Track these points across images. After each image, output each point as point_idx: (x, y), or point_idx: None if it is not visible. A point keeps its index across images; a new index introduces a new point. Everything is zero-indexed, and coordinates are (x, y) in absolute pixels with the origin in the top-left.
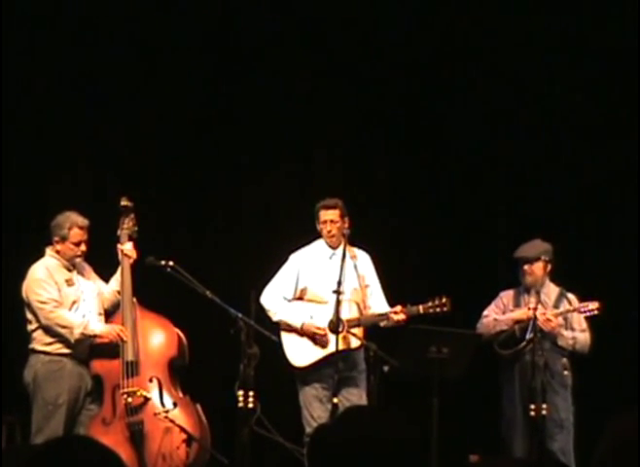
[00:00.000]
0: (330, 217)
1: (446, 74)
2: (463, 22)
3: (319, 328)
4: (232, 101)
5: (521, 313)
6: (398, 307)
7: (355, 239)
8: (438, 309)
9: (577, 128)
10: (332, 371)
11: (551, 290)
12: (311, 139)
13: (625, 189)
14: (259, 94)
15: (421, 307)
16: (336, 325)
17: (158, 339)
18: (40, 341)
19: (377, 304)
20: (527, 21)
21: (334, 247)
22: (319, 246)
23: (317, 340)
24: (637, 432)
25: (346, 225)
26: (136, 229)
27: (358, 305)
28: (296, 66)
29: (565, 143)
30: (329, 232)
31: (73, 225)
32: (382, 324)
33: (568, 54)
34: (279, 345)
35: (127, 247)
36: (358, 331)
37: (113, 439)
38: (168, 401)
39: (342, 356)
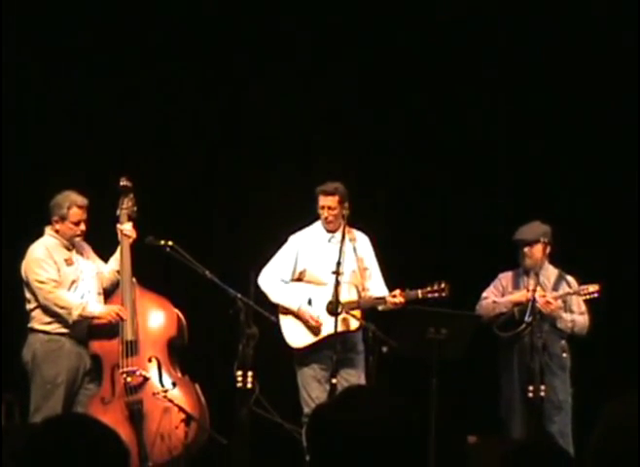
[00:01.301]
0: (328, 203)
1: (444, 64)
2: (462, 20)
3: (312, 317)
4: (234, 85)
5: (520, 296)
6: (397, 291)
7: (355, 222)
8: (436, 294)
9: (575, 109)
10: (330, 352)
11: (550, 272)
12: (312, 123)
13: (625, 170)
14: (260, 78)
15: (420, 292)
16: (335, 306)
17: (157, 318)
18: (39, 321)
19: (376, 286)
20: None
21: (329, 231)
22: (318, 228)
23: (310, 326)
24: (634, 415)
25: (346, 207)
26: (135, 209)
27: (357, 287)
28: (296, 55)
29: (564, 124)
30: (326, 218)
31: (72, 204)
32: (380, 308)
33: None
34: (278, 326)
35: (127, 227)
36: (356, 313)
37: (112, 418)
38: (167, 381)
39: (341, 338)
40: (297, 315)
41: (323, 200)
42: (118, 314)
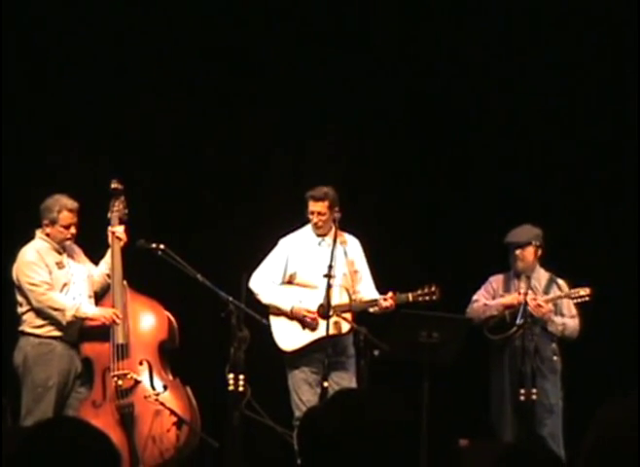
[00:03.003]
0: (317, 209)
1: (441, 62)
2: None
3: (309, 311)
4: (226, 86)
5: (512, 298)
6: (389, 294)
7: (345, 225)
8: (427, 298)
9: (567, 111)
10: (321, 355)
11: (541, 275)
12: (305, 124)
13: (618, 172)
14: (252, 79)
15: (410, 295)
16: (326, 309)
17: (148, 322)
18: (30, 324)
19: (366, 289)
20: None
21: (319, 236)
22: (308, 232)
23: (306, 323)
24: (628, 418)
25: (336, 210)
26: (127, 212)
27: (348, 290)
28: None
29: (555, 126)
30: (315, 223)
31: (62, 208)
32: (371, 310)
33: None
34: (269, 329)
35: (118, 230)
36: (348, 315)
37: (103, 421)
38: (159, 384)
39: (332, 341)
40: (290, 316)
41: (312, 206)
42: (112, 317)
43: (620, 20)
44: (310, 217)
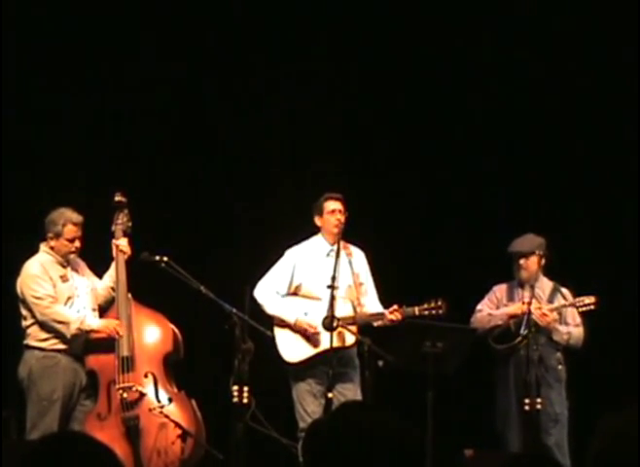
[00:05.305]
0: (339, 207)
1: (442, 69)
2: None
3: (311, 325)
4: (229, 103)
5: (516, 308)
6: (394, 307)
7: (350, 237)
8: (433, 312)
9: (568, 120)
10: (326, 367)
11: (544, 284)
12: (307, 136)
13: (620, 180)
14: (253, 89)
15: (417, 309)
16: (330, 321)
17: (153, 334)
18: (35, 337)
19: (371, 302)
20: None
21: (333, 243)
22: (316, 242)
23: (309, 337)
24: (633, 426)
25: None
26: (130, 224)
27: (352, 302)
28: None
29: (556, 135)
30: (338, 220)
31: (67, 221)
32: (376, 323)
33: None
34: (273, 341)
35: (122, 243)
36: (352, 327)
37: (108, 434)
38: (164, 396)
39: (337, 353)
40: (293, 328)
41: (333, 204)
42: (115, 328)
43: (620, 22)
44: (330, 217)
